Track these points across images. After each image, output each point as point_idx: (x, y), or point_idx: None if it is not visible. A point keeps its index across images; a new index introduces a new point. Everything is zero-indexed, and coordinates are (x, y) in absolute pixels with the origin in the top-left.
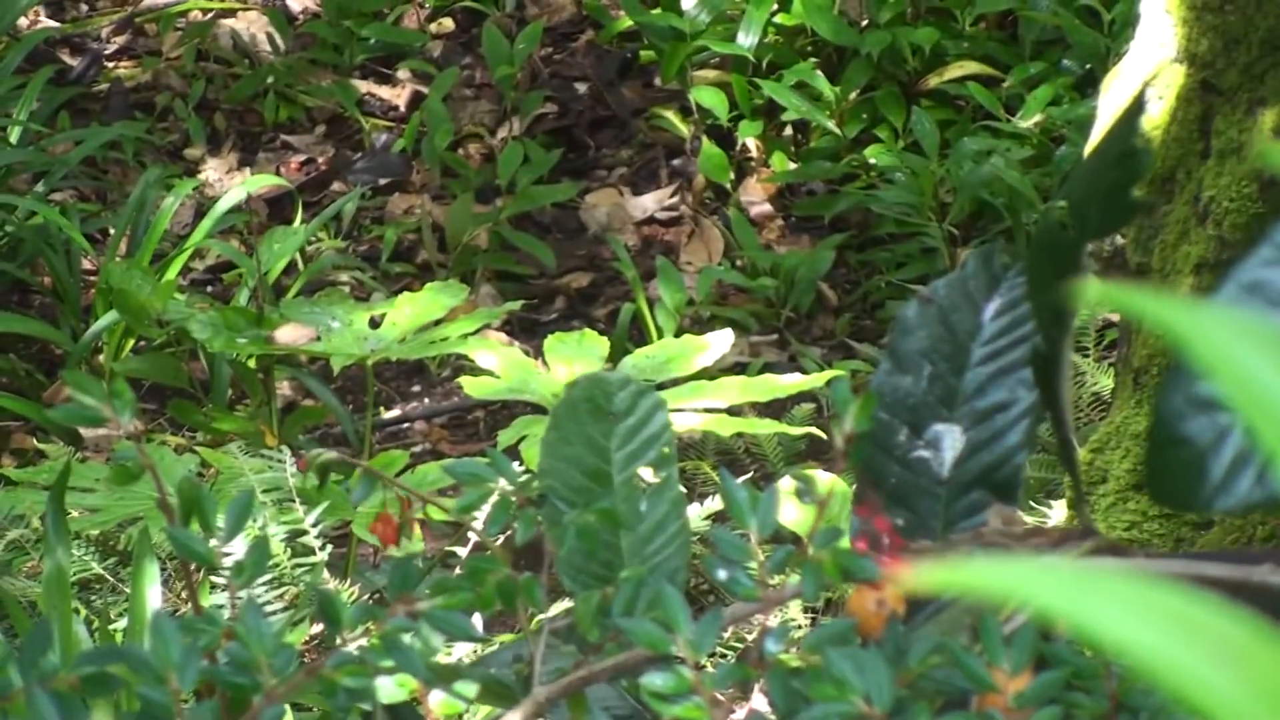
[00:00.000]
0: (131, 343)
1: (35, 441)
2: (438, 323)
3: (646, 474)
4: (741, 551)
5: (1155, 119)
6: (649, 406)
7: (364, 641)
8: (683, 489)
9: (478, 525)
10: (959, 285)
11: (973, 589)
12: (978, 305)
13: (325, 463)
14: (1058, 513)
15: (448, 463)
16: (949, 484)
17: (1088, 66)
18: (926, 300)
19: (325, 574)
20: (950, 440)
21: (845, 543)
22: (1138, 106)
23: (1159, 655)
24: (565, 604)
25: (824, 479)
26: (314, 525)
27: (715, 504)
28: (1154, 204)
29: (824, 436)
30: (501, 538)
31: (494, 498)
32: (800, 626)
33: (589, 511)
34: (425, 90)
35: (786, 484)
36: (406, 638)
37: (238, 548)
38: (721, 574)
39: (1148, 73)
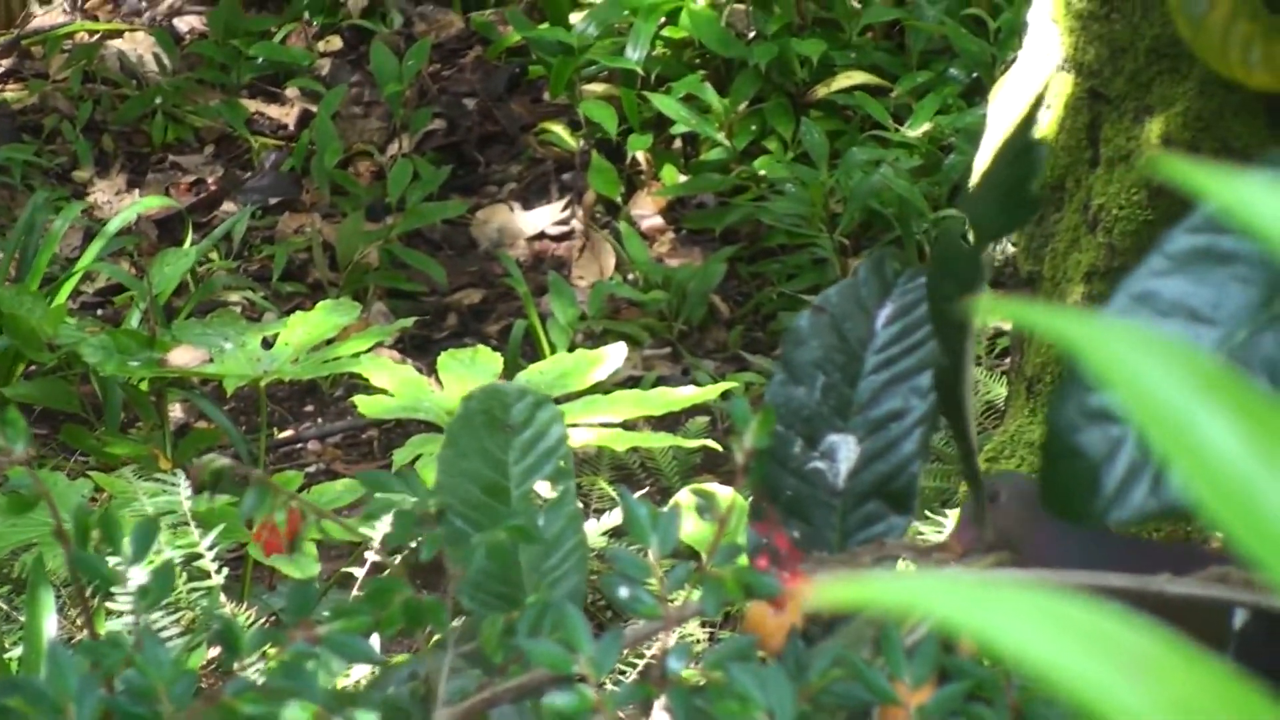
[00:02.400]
0: (22, 367)
1: None
2: (330, 342)
3: (544, 488)
4: (641, 569)
5: (1044, 127)
6: (546, 418)
7: (262, 665)
8: (579, 504)
9: (376, 546)
10: (851, 293)
11: (877, 604)
12: (870, 313)
13: (217, 469)
14: (953, 522)
15: (358, 472)
16: (845, 495)
17: (974, 75)
18: (819, 310)
19: (222, 598)
20: (845, 451)
21: (744, 558)
22: (1035, 107)
23: (1065, 667)
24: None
25: (721, 493)
26: (210, 548)
27: (612, 520)
28: (1046, 206)
29: (719, 449)
30: (399, 557)
31: (402, 514)
32: (699, 642)
33: (500, 529)
34: (314, 108)
35: (685, 498)
36: (307, 662)
37: (135, 573)
38: (622, 592)
39: (1035, 81)
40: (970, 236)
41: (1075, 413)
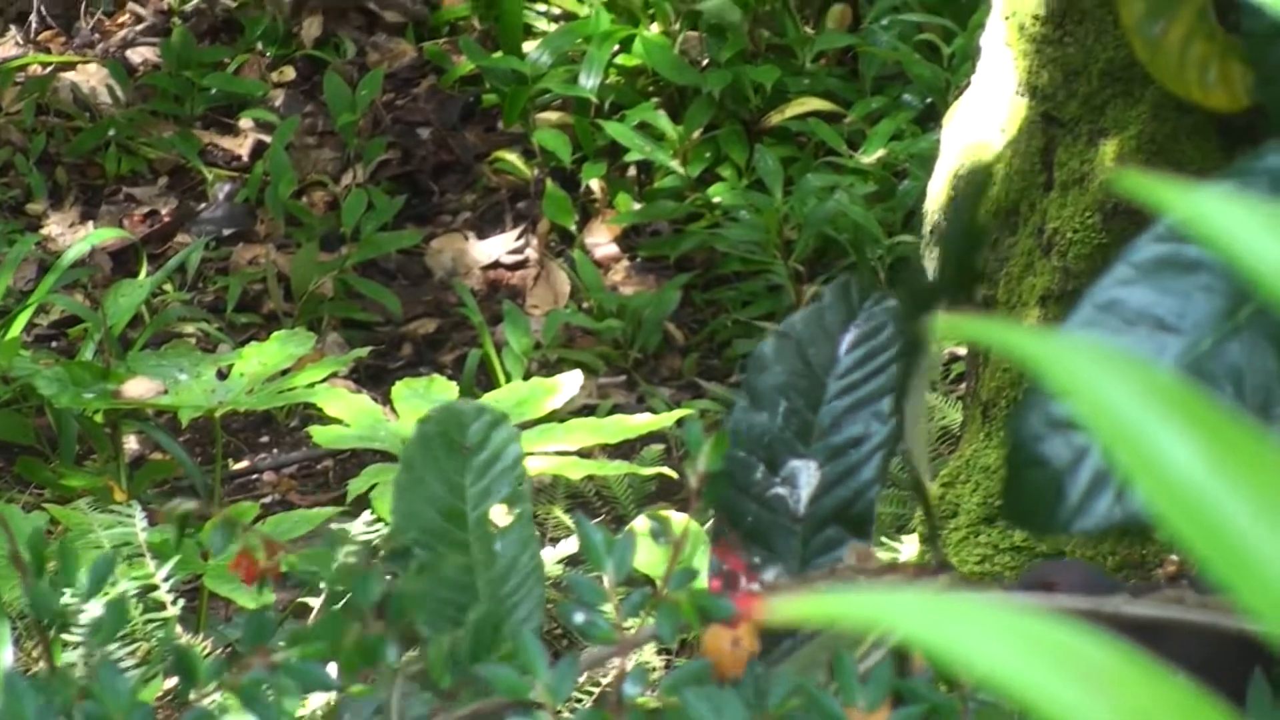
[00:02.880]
0: None
1: None
2: (285, 372)
3: (499, 512)
4: (597, 594)
5: (998, 151)
6: (503, 438)
7: (218, 696)
8: (535, 528)
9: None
10: (815, 318)
11: (836, 620)
12: (834, 338)
13: (183, 514)
14: (909, 548)
15: (301, 515)
16: (805, 520)
17: (928, 100)
18: (783, 335)
19: (178, 629)
20: (806, 476)
21: (700, 583)
22: (976, 184)
23: (1026, 680)
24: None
25: (677, 520)
26: (165, 580)
27: (568, 547)
28: (1000, 230)
29: (675, 477)
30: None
31: (350, 548)
32: (655, 669)
33: (445, 558)
34: (268, 139)
35: (641, 525)
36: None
37: (91, 606)
38: (578, 617)
39: (990, 106)
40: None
41: (1039, 422)
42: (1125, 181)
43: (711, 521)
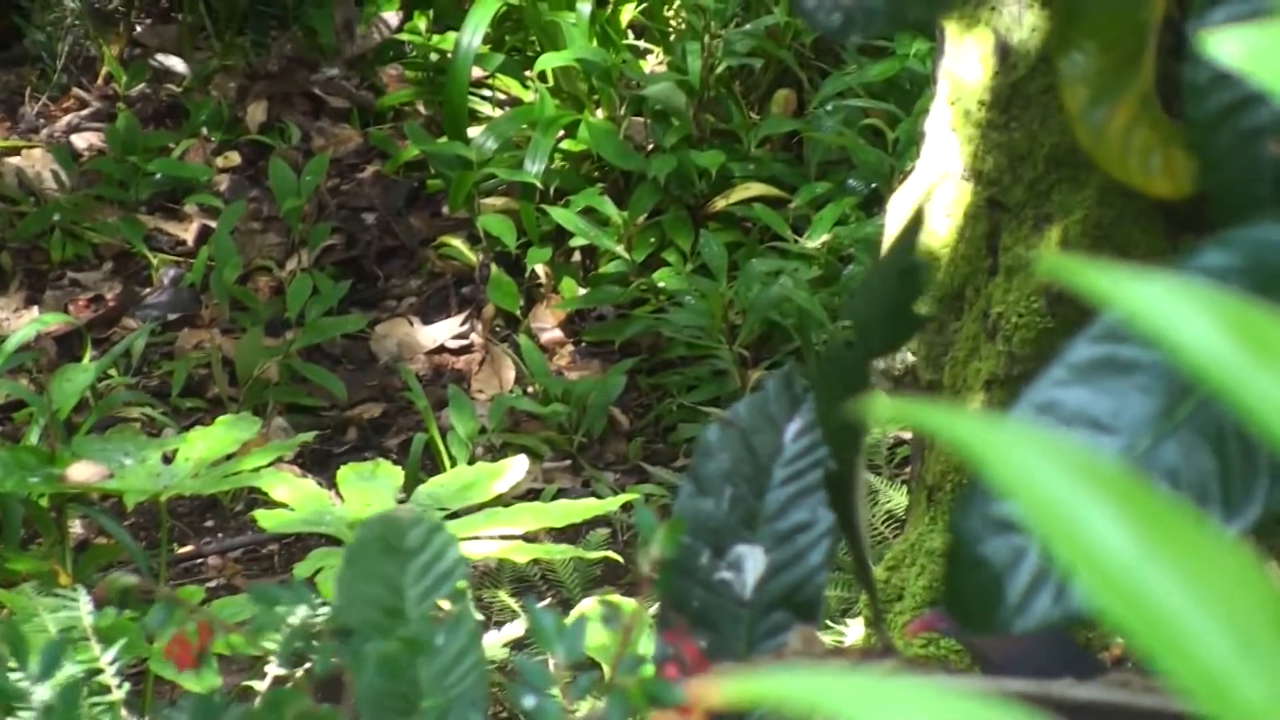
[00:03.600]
0: None
1: None
2: (230, 457)
3: (442, 607)
4: (546, 678)
5: (943, 237)
6: (442, 543)
7: None
8: (480, 617)
9: (276, 659)
10: (760, 407)
11: (782, 703)
12: (779, 426)
13: (124, 587)
14: (855, 631)
15: (250, 587)
16: (752, 605)
17: (873, 185)
18: (728, 423)
19: (123, 712)
20: (752, 562)
21: (649, 668)
22: (916, 221)
23: None
24: None
25: (625, 604)
26: (111, 663)
27: (513, 631)
28: (939, 320)
29: (620, 561)
30: (301, 670)
31: (294, 627)
32: None
33: (390, 640)
34: (213, 224)
35: (589, 608)
36: None
37: (39, 689)
38: (527, 701)
39: (934, 190)
40: (856, 345)
41: (979, 522)
42: (1064, 269)
43: (657, 606)
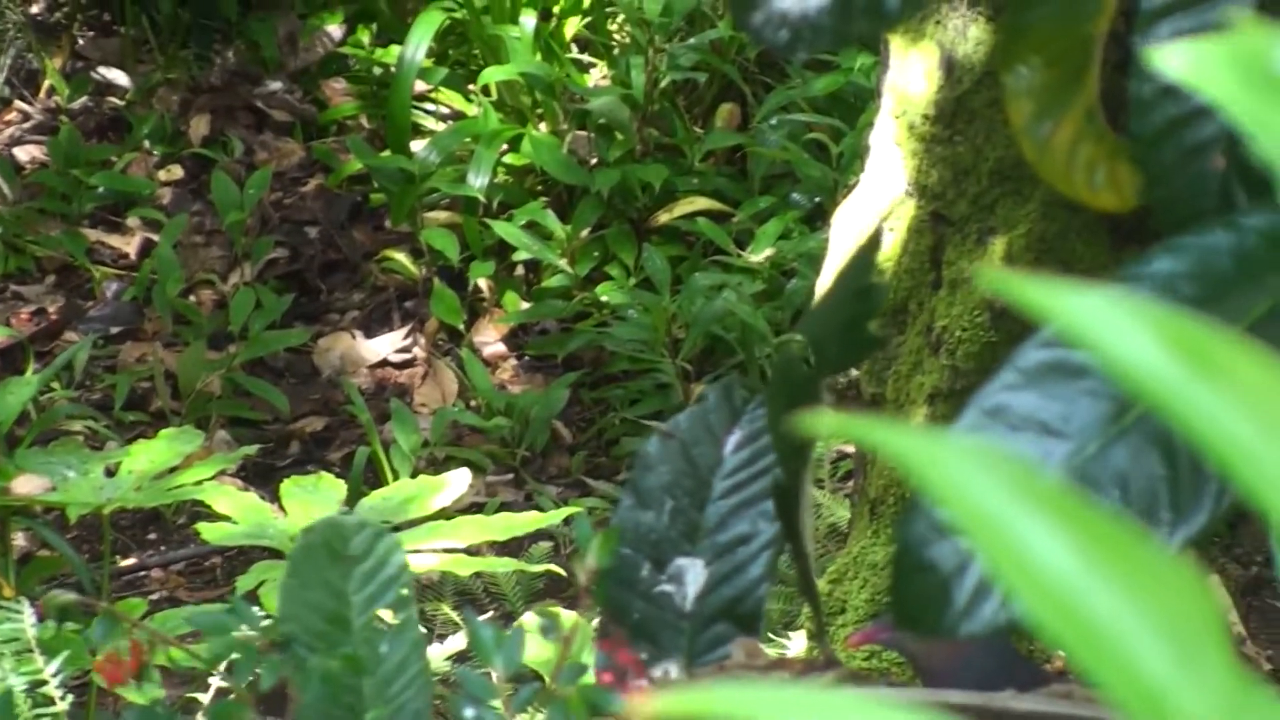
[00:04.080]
0: None
1: None
2: (173, 470)
3: (386, 616)
4: (487, 690)
5: (887, 251)
6: (386, 549)
7: None
8: (422, 629)
9: (220, 671)
10: (700, 419)
11: (718, 713)
12: (719, 439)
13: (63, 604)
14: (797, 644)
15: (190, 611)
16: (692, 618)
17: (817, 200)
18: (668, 435)
19: None
20: (693, 574)
21: (589, 678)
22: (873, 242)
23: None
24: None
25: (566, 616)
26: (54, 675)
27: (456, 644)
28: (888, 337)
29: (563, 574)
30: (244, 684)
31: (235, 641)
32: None
33: (332, 656)
34: (155, 238)
35: (530, 621)
36: None
37: None
38: (468, 712)
39: (879, 205)
40: (810, 360)
41: (925, 527)
42: (1001, 283)
43: (598, 618)
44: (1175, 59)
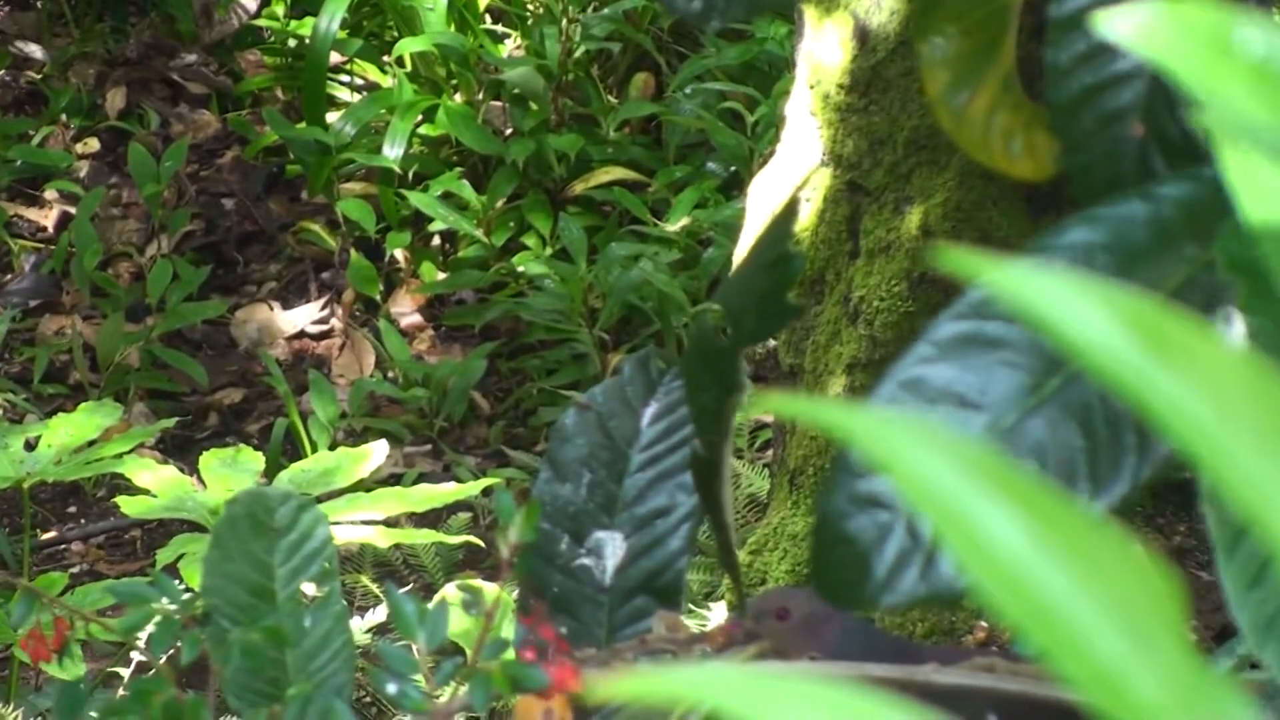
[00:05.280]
0: None
1: None
2: (92, 443)
3: (309, 589)
4: (408, 664)
5: (804, 221)
6: (310, 521)
7: None
8: (344, 603)
9: (141, 645)
10: (616, 391)
11: (648, 696)
12: (636, 411)
13: None
14: (718, 615)
15: (110, 583)
16: (612, 591)
17: (732, 168)
18: (584, 407)
19: None
20: (612, 547)
21: (510, 653)
22: (790, 211)
23: None
24: None
25: (487, 588)
26: None
27: (376, 617)
28: (806, 307)
29: (482, 545)
30: (165, 657)
31: (158, 617)
32: None
33: (254, 629)
34: (73, 210)
35: (451, 593)
36: None
37: None
38: (390, 688)
39: (795, 174)
40: (728, 331)
41: (844, 500)
42: (938, 254)
43: (517, 591)
44: (1122, 24)
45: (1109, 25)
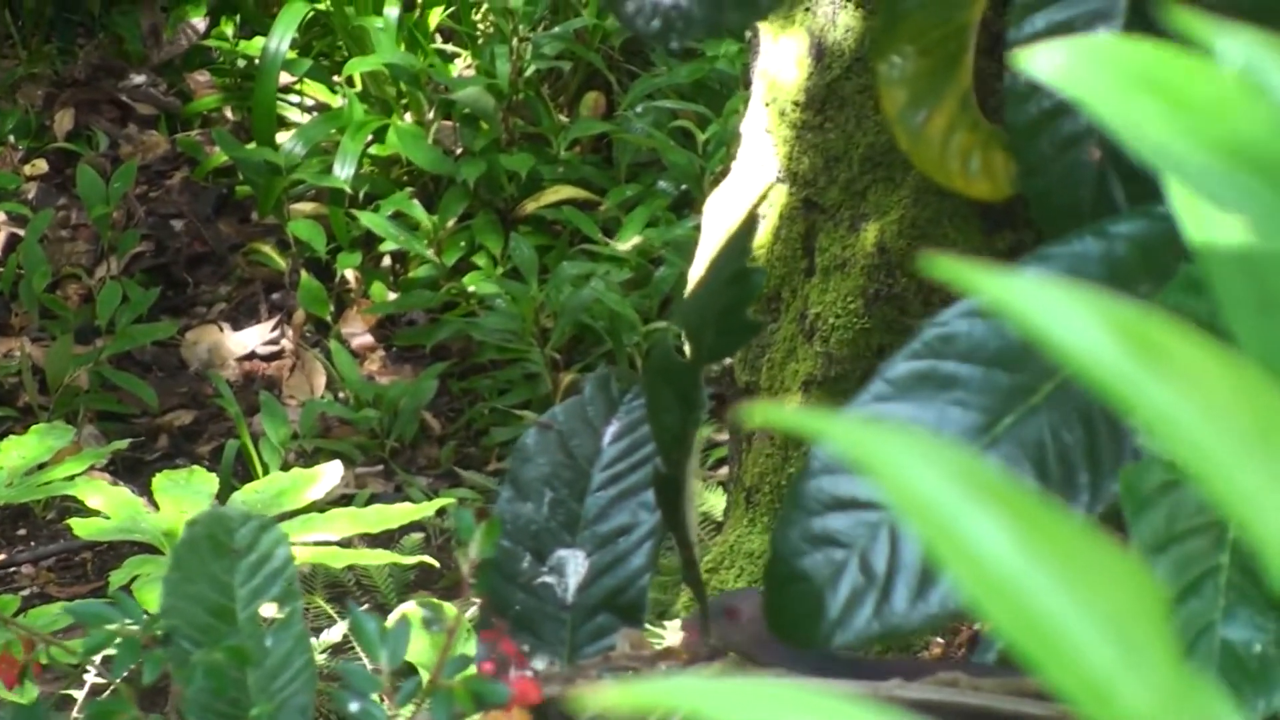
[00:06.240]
0: None
1: None
2: (43, 465)
3: (269, 610)
4: (370, 683)
5: (760, 238)
6: (271, 542)
7: None
8: (304, 624)
9: (94, 668)
10: (578, 411)
11: (623, 706)
12: (597, 430)
13: None
14: (675, 634)
15: (70, 605)
16: (574, 609)
17: (683, 187)
18: (546, 426)
19: None
20: (574, 566)
21: (472, 669)
22: (748, 227)
23: None
24: None
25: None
26: None
27: (332, 636)
28: (763, 324)
29: (435, 565)
30: (120, 679)
31: (119, 639)
32: None
33: (216, 650)
34: (21, 232)
35: (406, 612)
36: None
37: None
38: (353, 706)
39: (750, 191)
40: (686, 349)
41: (798, 537)
42: (937, 265)
43: (477, 610)
44: (1043, 60)
45: (1030, 62)
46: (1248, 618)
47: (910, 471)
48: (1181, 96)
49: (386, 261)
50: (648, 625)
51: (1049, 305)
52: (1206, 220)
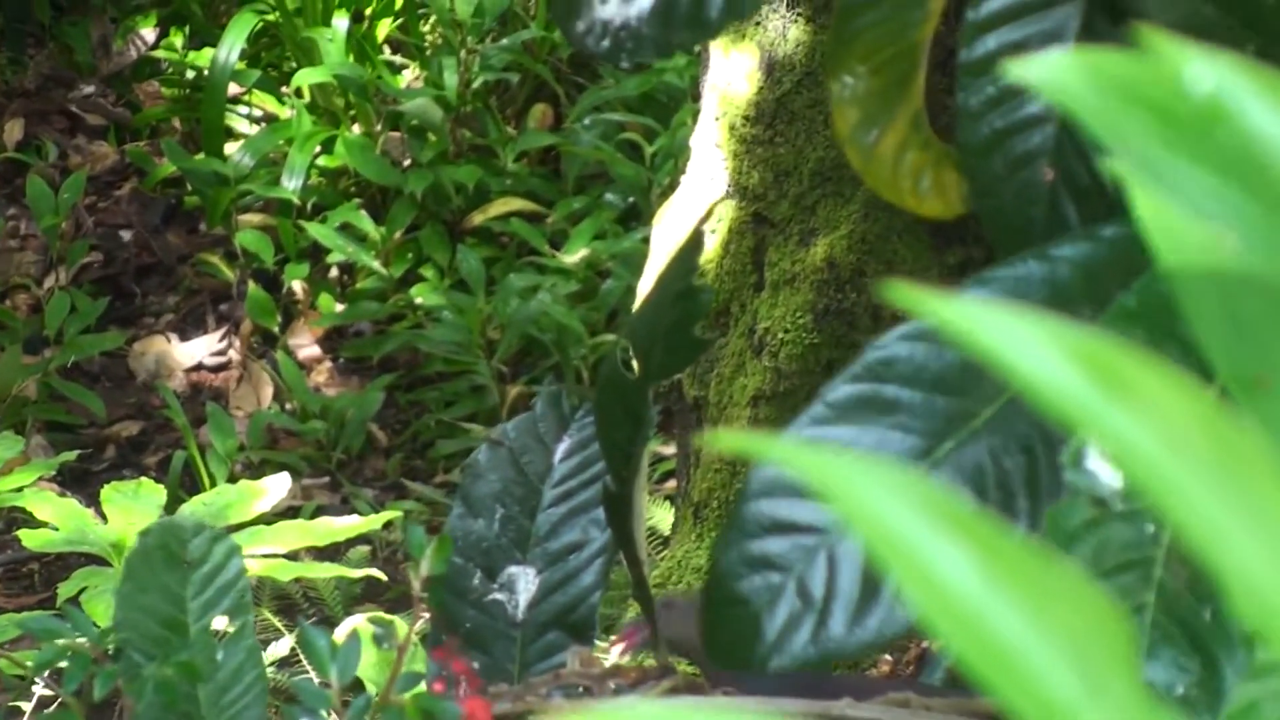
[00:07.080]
0: None
1: None
2: None
3: (221, 622)
4: (322, 699)
5: (709, 253)
6: (223, 553)
7: None
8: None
9: (42, 680)
10: (529, 427)
11: None
12: (548, 447)
13: None
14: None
15: (20, 617)
16: (524, 626)
17: (631, 200)
18: (496, 443)
19: None
20: (524, 583)
21: (423, 685)
22: (695, 244)
23: None
24: None
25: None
26: None
27: (279, 650)
28: (711, 339)
29: (383, 578)
30: (73, 692)
31: (69, 652)
32: None
33: (168, 664)
34: None
35: (359, 625)
36: None
37: None
38: None
39: (699, 206)
40: (634, 365)
41: (737, 560)
42: (889, 291)
43: (427, 625)
44: (1034, 69)
45: (1021, 70)
46: (1171, 659)
47: (867, 495)
48: (1169, 110)
49: (334, 273)
50: (596, 641)
51: (1007, 331)
52: (1179, 238)
